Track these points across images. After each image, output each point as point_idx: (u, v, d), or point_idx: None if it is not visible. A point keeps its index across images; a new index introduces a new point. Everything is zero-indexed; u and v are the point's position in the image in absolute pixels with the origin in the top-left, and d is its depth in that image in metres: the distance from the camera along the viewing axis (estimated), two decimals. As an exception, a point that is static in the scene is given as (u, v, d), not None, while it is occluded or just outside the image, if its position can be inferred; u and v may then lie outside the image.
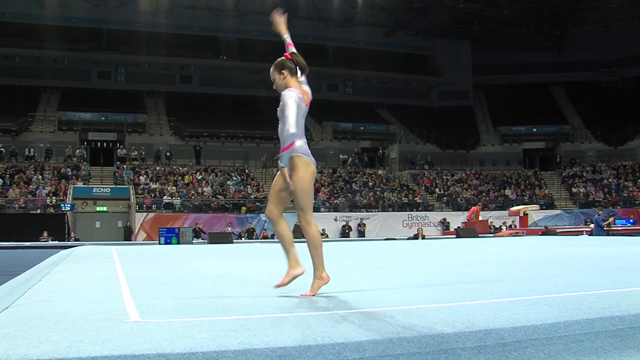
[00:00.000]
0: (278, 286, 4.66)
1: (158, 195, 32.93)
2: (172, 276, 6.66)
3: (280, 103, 4.66)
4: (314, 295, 4.53)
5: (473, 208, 32.19)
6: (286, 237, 4.72)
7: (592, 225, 26.27)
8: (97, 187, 33.37)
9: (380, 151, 45.55)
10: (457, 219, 35.19)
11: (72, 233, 28.91)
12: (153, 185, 33.88)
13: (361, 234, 33.63)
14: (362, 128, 46.39)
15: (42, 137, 38.11)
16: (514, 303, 3.85)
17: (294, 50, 4.96)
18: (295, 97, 4.60)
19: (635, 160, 42.86)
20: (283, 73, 4.75)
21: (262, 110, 32.19)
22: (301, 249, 4.75)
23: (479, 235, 25.33)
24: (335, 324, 3.25)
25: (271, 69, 4.81)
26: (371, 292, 4.73)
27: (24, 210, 30.14)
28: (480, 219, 31.00)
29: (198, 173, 36.44)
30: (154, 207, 32.18)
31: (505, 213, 34.41)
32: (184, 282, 5.76)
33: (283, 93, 4.65)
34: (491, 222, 33.98)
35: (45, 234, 26.32)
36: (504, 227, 32.84)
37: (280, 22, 5.10)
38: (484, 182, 41.65)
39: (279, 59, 4.82)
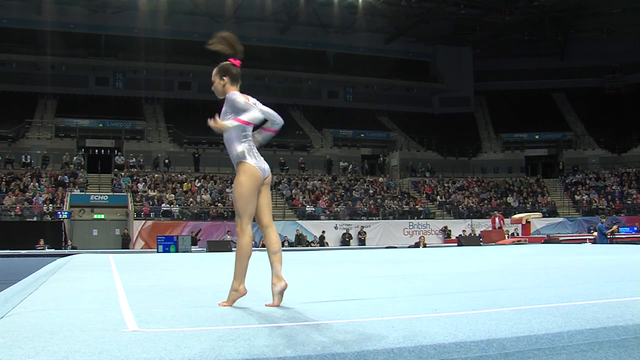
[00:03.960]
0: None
1: (156, 202, 32.85)
2: (170, 285, 6.63)
3: (224, 107, 4.62)
4: (230, 306, 4.42)
5: (495, 217, 31.43)
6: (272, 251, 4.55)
7: (595, 233, 26.19)
8: (95, 195, 33.19)
9: (381, 158, 45.54)
10: (458, 227, 35.17)
11: (69, 241, 28.78)
12: (151, 193, 33.78)
13: (362, 242, 33.55)
14: (362, 135, 46.40)
15: (39, 144, 37.91)
16: (516, 312, 3.82)
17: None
18: (241, 96, 4.56)
19: (639, 167, 42.55)
20: (224, 79, 4.70)
21: (263, 117, 32.22)
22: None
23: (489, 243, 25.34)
24: (334, 334, 3.23)
25: (214, 71, 4.75)
26: (372, 302, 4.69)
27: (21, 217, 29.94)
28: (503, 227, 30.52)
29: (197, 180, 36.34)
30: (152, 214, 32.05)
31: (507, 221, 34.34)
32: (182, 291, 5.73)
33: (228, 96, 4.60)
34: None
35: (41, 242, 26.23)
36: (506, 235, 32.72)
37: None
38: (485, 189, 41.60)
39: (224, 63, 4.75)
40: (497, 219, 30.13)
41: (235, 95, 4.55)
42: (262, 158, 4.64)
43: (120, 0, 42.41)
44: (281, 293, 4.39)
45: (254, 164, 4.52)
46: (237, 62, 4.76)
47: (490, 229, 30.87)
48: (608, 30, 50.24)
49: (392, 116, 49.91)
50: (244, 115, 4.43)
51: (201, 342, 3.01)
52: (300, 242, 31.54)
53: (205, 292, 5.62)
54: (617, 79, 52.03)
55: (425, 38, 50.64)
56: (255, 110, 4.49)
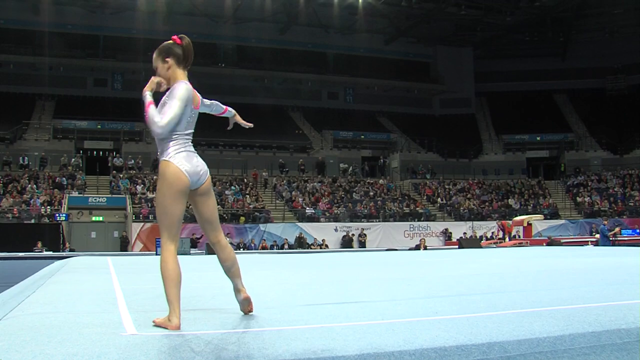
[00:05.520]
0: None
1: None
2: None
3: (164, 97, 3.91)
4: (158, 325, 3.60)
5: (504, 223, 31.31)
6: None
7: (597, 236, 26.19)
8: (93, 197, 32.95)
9: (381, 160, 45.44)
10: (459, 229, 35.06)
11: (67, 243, 28.65)
12: (150, 195, 33.55)
13: (362, 244, 33.39)
14: (362, 137, 46.31)
15: (36, 146, 37.68)
16: (518, 315, 3.81)
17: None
18: (185, 91, 3.81)
19: (641, 169, 42.45)
20: (167, 61, 3.93)
21: (262, 118, 31.89)
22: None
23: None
24: (335, 337, 3.21)
25: (154, 55, 3.99)
26: (372, 304, 4.67)
27: (18, 220, 29.75)
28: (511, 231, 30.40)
29: (195, 182, 36.10)
30: (150, 217, 31.75)
31: (512, 225, 34.23)
32: (181, 294, 5.69)
33: (174, 85, 3.86)
34: (494, 232, 33.96)
35: (39, 244, 26.10)
36: (507, 238, 32.69)
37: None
38: (486, 191, 41.48)
39: (164, 43, 4.00)
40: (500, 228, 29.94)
41: (179, 89, 3.82)
42: (198, 159, 3.89)
43: (118, 1, 42.34)
44: (246, 300, 4.07)
45: (176, 164, 3.75)
46: (180, 40, 3.98)
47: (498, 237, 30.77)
48: (610, 31, 50.14)
49: (392, 117, 49.86)
50: (169, 109, 3.75)
51: (200, 346, 3.00)
52: (301, 244, 31.51)
53: (204, 295, 5.60)
54: (620, 79, 51.88)
55: (426, 39, 50.60)
56: (179, 108, 3.77)
